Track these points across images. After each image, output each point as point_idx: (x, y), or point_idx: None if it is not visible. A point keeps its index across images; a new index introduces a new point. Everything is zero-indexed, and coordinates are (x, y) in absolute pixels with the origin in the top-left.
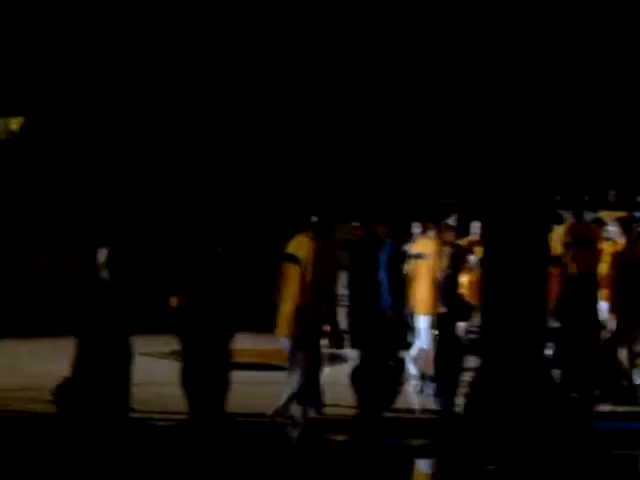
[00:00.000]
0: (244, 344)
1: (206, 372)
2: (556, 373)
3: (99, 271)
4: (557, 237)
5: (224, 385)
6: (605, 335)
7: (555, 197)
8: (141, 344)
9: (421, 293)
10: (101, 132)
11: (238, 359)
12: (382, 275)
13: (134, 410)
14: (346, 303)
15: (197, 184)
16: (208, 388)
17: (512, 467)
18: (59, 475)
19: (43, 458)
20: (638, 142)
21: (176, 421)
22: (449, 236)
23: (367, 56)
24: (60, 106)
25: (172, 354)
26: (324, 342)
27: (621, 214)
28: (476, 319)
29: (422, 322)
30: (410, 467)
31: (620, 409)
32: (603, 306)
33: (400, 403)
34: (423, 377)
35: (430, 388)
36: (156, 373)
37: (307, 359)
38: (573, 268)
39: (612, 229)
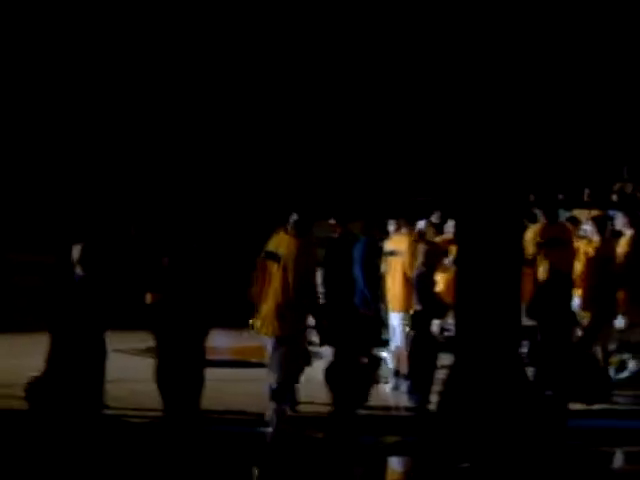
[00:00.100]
0: (220, 341)
1: (181, 369)
2: (530, 371)
3: (73, 267)
4: (529, 237)
5: (199, 382)
6: (579, 333)
7: (529, 196)
8: (115, 340)
9: (394, 290)
10: (75, 126)
11: (214, 356)
12: (357, 271)
13: (108, 407)
14: (321, 300)
15: (174, 181)
16: (183, 385)
17: (486, 464)
18: (31, 472)
19: (14, 455)
20: (612, 141)
21: (150, 418)
22: (430, 233)
23: (344, 57)
24: (31, 100)
25: (146, 351)
26: (315, 339)
27: (595, 213)
28: (450, 317)
29: (395, 319)
30: (384, 465)
31: (594, 407)
32: (577, 304)
33: (375, 400)
34: (397, 374)
35: (404, 385)
36: (130, 370)
37: (289, 357)
38: (546, 267)
39: (587, 228)
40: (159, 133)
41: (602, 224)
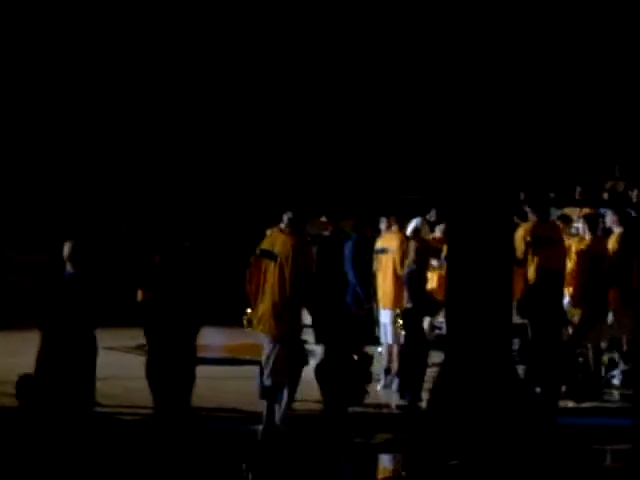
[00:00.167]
0: (212, 339)
1: (172, 366)
2: (520, 369)
3: (64, 265)
4: (520, 235)
5: (190, 380)
6: (569, 331)
7: (520, 194)
8: (106, 338)
9: (385, 287)
10: (67, 125)
11: (206, 354)
12: (348, 269)
13: (99, 404)
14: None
15: (165, 178)
16: (174, 383)
17: (475, 462)
18: (22, 470)
19: (5, 453)
20: (603, 139)
21: (142, 416)
22: (425, 231)
23: (334, 55)
24: (21, 98)
25: (138, 348)
26: (310, 338)
27: (587, 211)
28: (441, 314)
29: (386, 316)
30: (375, 462)
31: (584, 405)
32: (567, 302)
33: (366, 398)
34: (388, 372)
35: (395, 383)
36: (121, 367)
37: (286, 357)
38: (536, 266)
39: (578, 226)
40: (151, 131)
41: (594, 222)
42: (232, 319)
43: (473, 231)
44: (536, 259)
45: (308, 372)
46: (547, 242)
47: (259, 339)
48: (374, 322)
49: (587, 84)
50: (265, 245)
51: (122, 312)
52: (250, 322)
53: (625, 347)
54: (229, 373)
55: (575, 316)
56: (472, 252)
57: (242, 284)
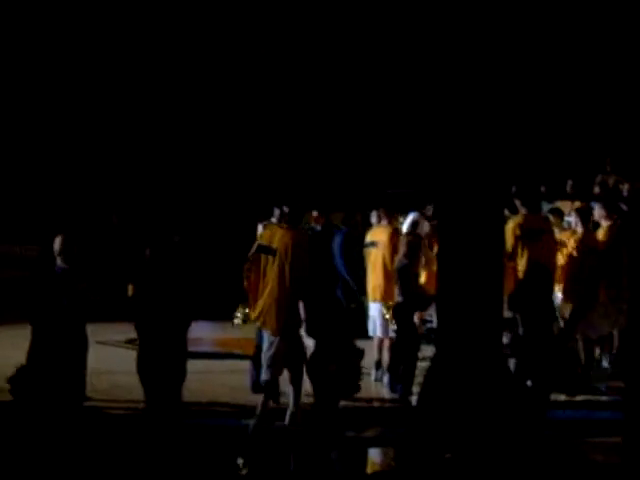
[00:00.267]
0: (204, 333)
1: (162, 361)
2: (511, 362)
3: (55, 259)
4: (509, 229)
5: (181, 374)
6: (559, 325)
7: (511, 187)
8: (97, 332)
9: (374, 281)
10: (57, 119)
11: (197, 347)
12: (337, 261)
13: (89, 399)
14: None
15: (156, 172)
16: (165, 377)
17: (467, 455)
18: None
19: None
20: (594, 133)
21: (132, 410)
22: (423, 226)
23: (324, 50)
24: (13, 92)
25: (128, 342)
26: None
27: (579, 204)
28: (431, 308)
29: (375, 310)
30: (366, 456)
31: (575, 398)
32: (559, 296)
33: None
34: (379, 366)
35: (386, 377)
36: (112, 362)
37: (287, 350)
38: (526, 259)
39: (571, 219)
40: (141, 124)
41: (586, 215)
42: (223, 313)
43: (464, 225)
44: (526, 253)
45: None
46: (537, 235)
47: (250, 333)
48: (365, 316)
49: (578, 77)
50: (263, 241)
51: (113, 306)
52: (246, 318)
53: (616, 342)
54: (220, 367)
55: (566, 309)
56: (463, 246)
57: (233, 278)
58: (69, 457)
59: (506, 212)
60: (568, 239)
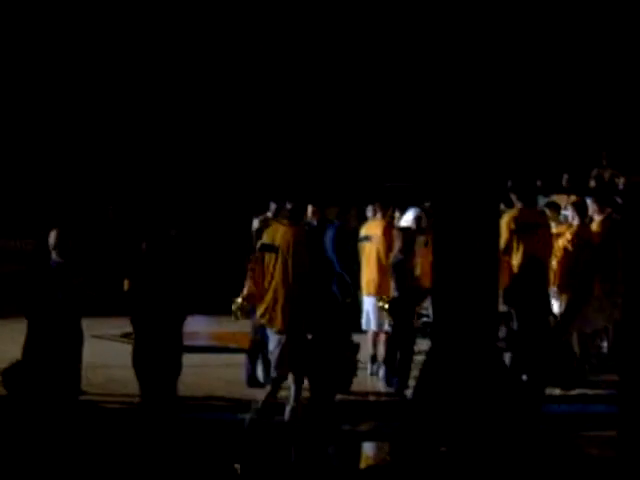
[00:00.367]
0: (199, 326)
1: (158, 354)
2: (507, 357)
3: (50, 253)
4: (504, 222)
5: (176, 368)
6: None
7: (507, 181)
8: (93, 326)
9: (369, 275)
10: (53, 113)
11: (193, 341)
12: (331, 257)
13: (84, 392)
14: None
15: (153, 167)
16: (160, 371)
17: (462, 449)
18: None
19: None
20: (590, 127)
21: (128, 404)
22: (424, 221)
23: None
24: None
25: (124, 336)
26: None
27: (575, 198)
28: (427, 302)
29: (369, 303)
30: (362, 450)
31: (570, 392)
32: (554, 289)
33: (352, 386)
34: (374, 360)
35: (382, 371)
36: (108, 356)
37: (293, 351)
38: (521, 253)
39: (567, 213)
40: (138, 119)
41: (582, 209)
42: (219, 307)
43: (459, 218)
44: (522, 246)
45: None
46: (533, 228)
47: (246, 327)
48: (359, 310)
49: (574, 72)
50: (265, 239)
51: (108, 300)
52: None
53: (611, 336)
54: (216, 361)
55: (561, 302)
56: (458, 239)
57: (228, 272)
58: (64, 451)
59: (502, 206)
60: (564, 232)
